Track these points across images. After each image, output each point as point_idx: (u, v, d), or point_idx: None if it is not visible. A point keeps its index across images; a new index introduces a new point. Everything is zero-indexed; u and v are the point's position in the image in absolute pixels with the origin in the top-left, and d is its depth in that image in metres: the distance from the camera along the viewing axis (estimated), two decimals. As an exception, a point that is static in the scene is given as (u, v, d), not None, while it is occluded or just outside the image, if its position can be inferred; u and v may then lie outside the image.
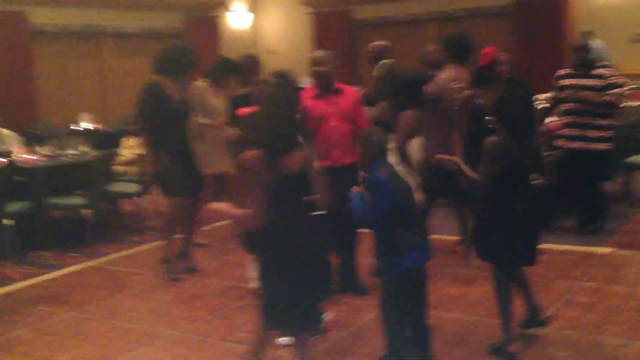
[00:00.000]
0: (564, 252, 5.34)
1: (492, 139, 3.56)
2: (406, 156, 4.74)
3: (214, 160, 5.81)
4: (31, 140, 7.70)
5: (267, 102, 3.18)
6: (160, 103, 5.15)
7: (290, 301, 3.06)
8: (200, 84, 6.00)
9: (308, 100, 4.54)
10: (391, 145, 4.52)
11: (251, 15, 13.30)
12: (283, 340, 3.72)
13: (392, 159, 4.48)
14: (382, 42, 6.01)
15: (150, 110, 5.16)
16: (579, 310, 4.28)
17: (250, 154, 3.05)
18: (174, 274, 5.32)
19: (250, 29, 13.44)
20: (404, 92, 4.77)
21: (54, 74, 11.00)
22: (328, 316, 3.97)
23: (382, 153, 3.44)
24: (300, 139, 3.20)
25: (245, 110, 4.75)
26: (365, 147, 3.45)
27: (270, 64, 12.87)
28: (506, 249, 3.58)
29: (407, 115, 4.79)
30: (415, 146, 4.89)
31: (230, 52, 12.07)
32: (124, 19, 11.38)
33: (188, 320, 4.51)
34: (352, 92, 4.72)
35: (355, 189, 3.40)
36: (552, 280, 4.78)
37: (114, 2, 11.14)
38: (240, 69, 5.84)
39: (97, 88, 11.46)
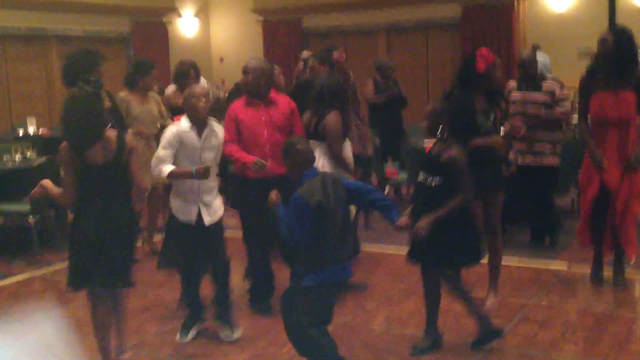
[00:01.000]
0: (518, 268, 5.35)
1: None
2: (342, 160, 4.64)
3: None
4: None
5: (68, 103, 3.57)
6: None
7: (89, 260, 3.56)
8: (123, 95, 5.76)
9: (239, 109, 4.48)
10: (324, 152, 4.56)
11: (197, 22, 13.19)
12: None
13: (326, 165, 4.50)
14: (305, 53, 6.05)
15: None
16: (535, 327, 4.29)
17: (62, 145, 3.54)
18: None
19: (200, 35, 13.34)
20: (324, 96, 4.72)
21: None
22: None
23: (308, 161, 3.48)
24: (107, 131, 3.59)
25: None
26: (290, 158, 3.48)
27: (222, 71, 12.98)
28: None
29: (333, 118, 4.63)
30: (347, 148, 4.80)
31: (180, 59, 11.95)
32: (69, 22, 11.14)
33: (137, 335, 4.37)
34: (286, 102, 4.59)
35: (275, 199, 3.46)
36: (506, 297, 4.74)
37: (59, 5, 10.89)
38: (153, 67, 5.72)
39: (44, 92, 11.17)
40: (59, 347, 4.12)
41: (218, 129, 4.20)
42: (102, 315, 3.67)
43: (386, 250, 5.96)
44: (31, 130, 9.32)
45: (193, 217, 4.08)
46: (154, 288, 5.22)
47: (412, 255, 3.89)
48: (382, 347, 4.08)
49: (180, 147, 4.03)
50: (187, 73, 5.72)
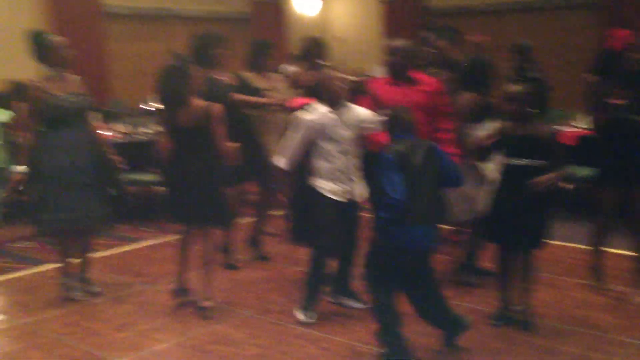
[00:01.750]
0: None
1: None
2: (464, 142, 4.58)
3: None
4: (105, 117, 7.90)
5: (161, 74, 4.21)
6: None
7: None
8: (247, 75, 5.69)
9: (380, 88, 4.52)
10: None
11: (320, 2, 13.30)
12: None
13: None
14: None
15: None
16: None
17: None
18: (231, 261, 5.36)
19: (320, 15, 13.44)
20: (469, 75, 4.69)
21: (125, 54, 11.29)
22: None
23: (399, 126, 3.66)
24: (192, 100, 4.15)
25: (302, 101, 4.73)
26: (388, 122, 3.70)
27: (338, 51, 13.02)
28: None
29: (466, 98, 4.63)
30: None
31: (296, 38, 12.13)
32: (192, 2, 11.57)
33: (260, 303, 4.59)
34: (430, 83, 4.57)
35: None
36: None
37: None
38: (272, 47, 5.74)
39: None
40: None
41: (354, 107, 4.27)
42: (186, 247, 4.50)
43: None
44: (155, 105, 9.77)
45: (345, 196, 4.18)
46: (282, 261, 5.45)
47: (492, 235, 4.05)
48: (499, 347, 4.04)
49: (320, 131, 4.12)
50: (311, 51, 5.82)
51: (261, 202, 5.58)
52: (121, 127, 7.43)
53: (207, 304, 4.36)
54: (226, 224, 4.88)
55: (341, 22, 13.46)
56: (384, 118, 3.77)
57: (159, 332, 4.12)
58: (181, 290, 4.56)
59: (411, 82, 4.52)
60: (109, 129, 7.21)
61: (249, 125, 5.28)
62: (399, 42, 4.59)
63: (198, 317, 4.31)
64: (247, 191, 5.42)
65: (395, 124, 3.68)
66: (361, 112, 4.28)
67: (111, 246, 5.90)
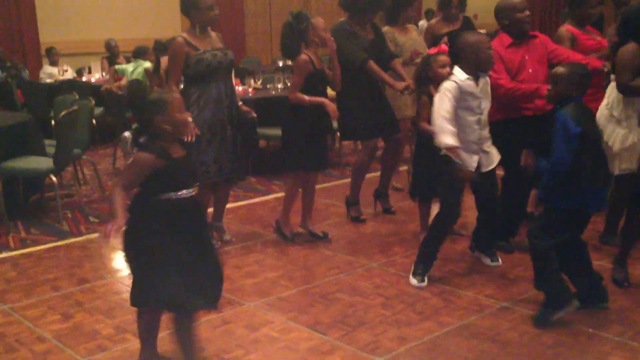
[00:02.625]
0: None
1: None
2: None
3: (405, 103, 5.62)
4: (240, 74, 8.14)
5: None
6: (352, 42, 5.03)
7: None
8: (387, 29, 5.67)
9: (501, 49, 4.32)
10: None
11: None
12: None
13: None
14: None
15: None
16: None
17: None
18: (358, 214, 5.39)
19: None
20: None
21: (261, 12, 11.51)
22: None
23: (577, 90, 3.39)
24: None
25: (442, 47, 4.59)
26: (565, 80, 3.40)
27: (476, 5, 12.58)
28: None
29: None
30: None
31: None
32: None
33: (385, 255, 4.60)
34: (544, 37, 4.50)
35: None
36: None
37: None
38: (412, 0, 5.63)
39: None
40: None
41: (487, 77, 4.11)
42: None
43: None
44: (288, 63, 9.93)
45: (474, 165, 4.05)
46: (406, 215, 5.46)
47: None
48: (640, 296, 3.86)
49: (460, 98, 3.92)
50: (449, 1, 5.66)
51: (387, 156, 5.54)
52: (252, 83, 7.61)
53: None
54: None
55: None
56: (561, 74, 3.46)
57: (286, 279, 4.23)
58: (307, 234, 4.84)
59: (530, 37, 4.41)
60: (241, 85, 7.45)
61: (375, 81, 5.19)
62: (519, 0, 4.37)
63: (328, 269, 4.39)
64: (376, 146, 5.40)
65: (579, 85, 3.41)
66: None
67: (242, 197, 6.11)
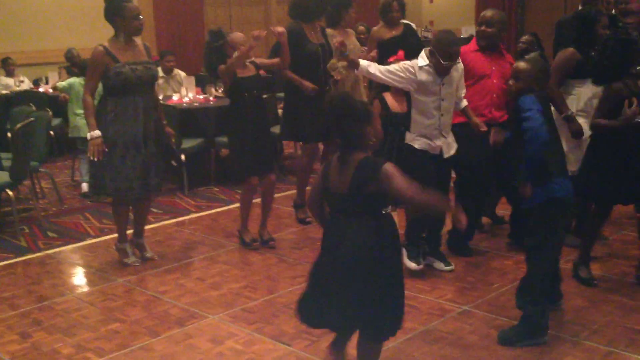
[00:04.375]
0: None
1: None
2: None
3: None
4: (202, 81, 8.10)
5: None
6: (300, 47, 5.16)
7: None
8: (329, 31, 5.77)
9: (470, 55, 4.47)
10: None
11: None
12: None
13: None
14: None
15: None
16: None
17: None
18: (306, 217, 5.47)
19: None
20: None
21: (222, 20, 11.47)
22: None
23: (538, 84, 3.41)
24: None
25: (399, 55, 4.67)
26: (529, 74, 3.42)
27: (431, 13, 12.77)
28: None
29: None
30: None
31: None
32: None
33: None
34: (509, 55, 4.64)
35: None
36: None
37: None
38: (351, 3, 5.73)
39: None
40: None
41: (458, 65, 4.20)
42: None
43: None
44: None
45: (437, 150, 4.18)
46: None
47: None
48: (598, 292, 3.96)
49: (417, 82, 4.04)
50: (389, 5, 5.77)
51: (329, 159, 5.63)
52: (213, 92, 7.57)
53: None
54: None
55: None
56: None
57: (250, 290, 4.22)
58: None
59: (500, 52, 4.56)
60: (202, 93, 7.42)
61: (324, 81, 5.32)
62: (495, 12, 4.56)
63: (288, 277, 4.40)
64: (318, 149, 5.57)
65: (540, 79, 3.44)
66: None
67: (205, 208, 6.09)
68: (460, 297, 3.97)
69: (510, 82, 3.53)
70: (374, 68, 4.06)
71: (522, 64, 3.49)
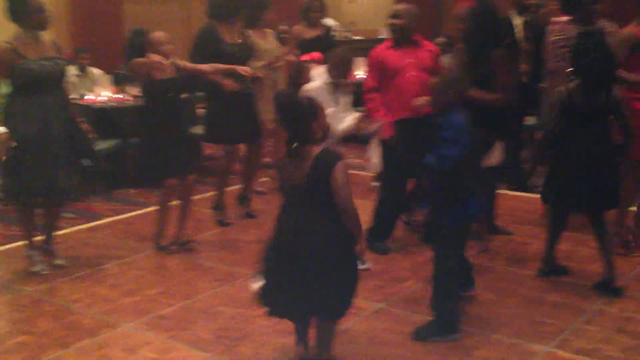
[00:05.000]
0: None
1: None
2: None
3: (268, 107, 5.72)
4: (119, 80, 7.91)
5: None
6: (215, 47, 5.12)
7: None
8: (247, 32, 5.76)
9: (384, 51, 4.54)
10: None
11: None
12: None
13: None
14: None
15: (203, 54, 5.13)
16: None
17: None
18: (225, 219, 5.48)
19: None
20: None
21: (141, 17, 11.21)
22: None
23: (460, 97, 3.46)
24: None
25: (313, 56, 4.73)
26: (441, 89, 3.47)
27: (351, 12, 12.86)
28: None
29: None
30: None
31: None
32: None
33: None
34: (429, 45, 4.69)
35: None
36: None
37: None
38: (270, 4, 5.75)
39: (184, 33, 11.58)
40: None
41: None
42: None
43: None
44: (172, 47, 9.71)
45: None
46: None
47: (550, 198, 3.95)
48: (503, 286, 4.11)
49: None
50: (310, 5, 5.81)
51: (250, 161, 5.65)
52: (133, 91, 7.40)
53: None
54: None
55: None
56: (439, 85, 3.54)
57: (166, 296, 4.16)
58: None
59: (416, 44, 4.57)
60: (118, 92, 7.24)
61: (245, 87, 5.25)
62: (404, 5, 4.62)
63: (205, 280, 4.36)
64: (238, 151, 5.56)
65: (456, 92, 3.48)
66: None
67: (120, 211, 5.95)
68: (375, 295, 4.02)
69: (429, 98, 3.63)
70: None
71: (434, 80, 3.59)
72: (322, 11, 5.96)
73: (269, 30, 6.01)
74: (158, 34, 4.65)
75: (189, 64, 4.86)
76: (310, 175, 2.80)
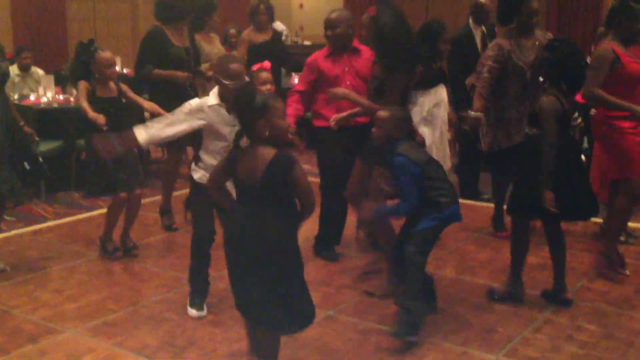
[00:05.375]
0: (595, 223, 5.15)
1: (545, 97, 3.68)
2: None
3: None
4: (62, 81, 7.72)
5: None
6: (163, 50, 5.09)
7: None
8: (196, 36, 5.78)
9: (320, 60, 4.51)
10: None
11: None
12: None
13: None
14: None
15: (151, 57, 5.11)
16: (610, 283, 4.25)
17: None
18: (170, 223, 5.40)
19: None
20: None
21: (85, 15, 11.00)
22: None
23: (407, 132, 3.61)
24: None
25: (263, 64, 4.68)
26: (389, 123, 3.57)
27: (301, 18, 12.91)
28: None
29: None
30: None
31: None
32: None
33: (212, 269, 4.51)
34: (369, 52, 4.52)
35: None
36: (583, 251, 4.76)
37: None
38: (216, 8, 5.74)
39: (129, 32, 11.42)
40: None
41: None
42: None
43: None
44: (116, 69, 9.54)
45: None
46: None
47: (516, 208, 3.93)
48: (453, 294, 4.14)
49: (207, 122, 3.66)
50: (256, 8, 5.80)
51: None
52: (74, 92, 7.23)
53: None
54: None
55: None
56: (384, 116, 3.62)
57: (111, 302, 4.07)
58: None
59: (354, 51, 4.54)
60: (62, 93, 7.06)
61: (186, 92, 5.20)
62: (337, 13, 4.56)
63: (152, 286, 4.28)
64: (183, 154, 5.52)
65: (400, 127, 3.59)
66: None
67: (64, 215, 5.79)
68: (325, 302, 4.02)
69: (373, 129, 3.67)
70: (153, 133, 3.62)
71: (382, 113, 3.65)
72: (269, 14, 5.94)
73: (214, 35, 5.99)
74: (106, 55, 4.57)
75: (130, 93, 4.74)
76: (264, 178, 2.77)
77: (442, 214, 3.54)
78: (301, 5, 13.12)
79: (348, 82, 4.47)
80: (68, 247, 5.01)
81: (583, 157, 5.89)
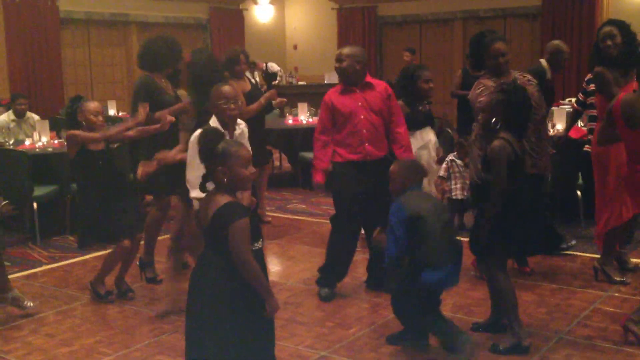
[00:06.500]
0: (592, 259, 5.16)
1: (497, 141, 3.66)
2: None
3: None
4: (57, 125, 7.78)
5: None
6: (158, 97, 5.02)
7: None
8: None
9: (334, 97, 4.58)
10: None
11: (272, 9, 13.34)
12: None
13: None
14: None
15: (148, 103, 5.02)
16: (607, 320, 4.24)
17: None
18: (153, 276, 5.23)
19: (275, 23, 13.47)
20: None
21: (81, 61, 11.15)
22: None
23: (412, 181, 3.69)
24: None
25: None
26: (400, 175, 3.68)
27: (295, 58, 13.11)
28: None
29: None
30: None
31: (255, 45, 12.16)
32: (150, 8, 11.50)
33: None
34: (382, 86, 4.66)
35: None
36: (580, 288, 4.75)
37: (141, -8, 11.27)
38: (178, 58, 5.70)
39: (124, 76, 11.56)
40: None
41: (245, 128, 4.29)
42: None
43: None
44: (112, 113, 9.66)
45: None
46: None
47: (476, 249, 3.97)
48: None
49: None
50: (236, 58, 5.83)
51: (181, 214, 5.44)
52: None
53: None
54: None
55: (296, 29, 13.50)
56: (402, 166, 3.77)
57: (104, 345, 4.04)
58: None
59: (367, 86, 4.60)
60: (57, 138, 7.12)
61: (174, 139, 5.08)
62: (348, 48, 4.65)
63: (146, 329, 4.26)
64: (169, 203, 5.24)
65: (413, 178, 3.68)
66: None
67: (58, 259, 5.77)
68: (318, 343, 4.00)
69: (390, 185, 3.78)
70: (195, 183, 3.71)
71: (394, 167, 3.77)
72: (247, 63, 5.92)
73: (245, 78, 6.01)
74: (91, 105, 4.67)
75: (114, 132, 4.76)
76: (210, 225, 2.81)
77: (427, 276, 3.54)
78: (295, 47, 13.34)
79: (362, 117, 4.51)
80: (62, 291, 4.99)
81: (579, 192, 5.97)
